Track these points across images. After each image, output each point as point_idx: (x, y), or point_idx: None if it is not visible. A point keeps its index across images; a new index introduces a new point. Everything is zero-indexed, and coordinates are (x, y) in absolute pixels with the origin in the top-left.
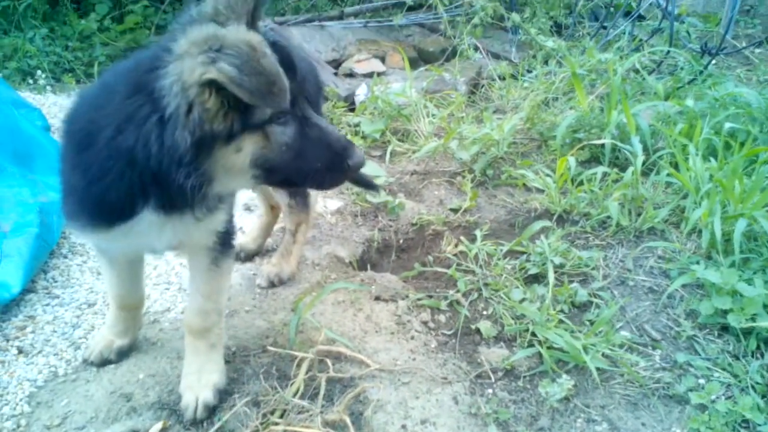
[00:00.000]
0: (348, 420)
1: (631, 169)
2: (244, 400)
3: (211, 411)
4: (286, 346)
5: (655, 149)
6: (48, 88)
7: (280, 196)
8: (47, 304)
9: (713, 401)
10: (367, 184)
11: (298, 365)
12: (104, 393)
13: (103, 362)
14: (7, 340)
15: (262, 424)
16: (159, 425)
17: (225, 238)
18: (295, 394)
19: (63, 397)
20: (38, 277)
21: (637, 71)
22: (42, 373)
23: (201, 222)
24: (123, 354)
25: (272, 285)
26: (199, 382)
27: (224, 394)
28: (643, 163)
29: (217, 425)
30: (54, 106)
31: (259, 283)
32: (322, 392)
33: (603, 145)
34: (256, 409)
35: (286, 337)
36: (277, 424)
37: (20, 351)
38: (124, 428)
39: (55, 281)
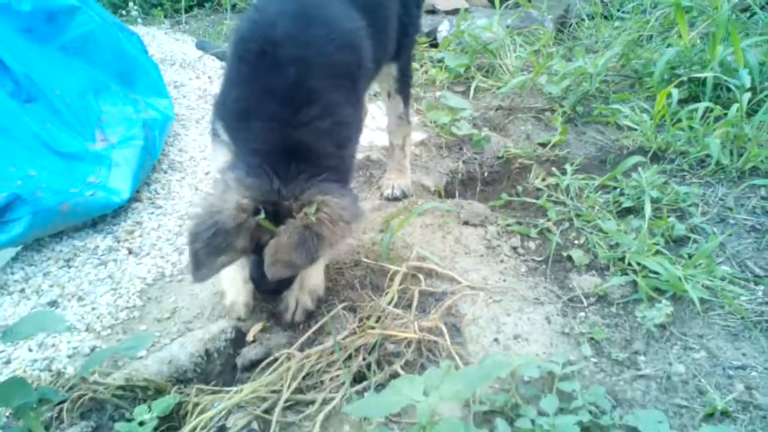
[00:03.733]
0: (443, 328)
1: (735, 105)
2: (342, 305)
3: (309, 315)
4: (379, 261)
5: (762, 88)
6: (139, 20)
7: (392, 107)
8: (152, 213)
9: None
10: None
11: (391, 278)
12: (209, 293)
13: None
14: (118, 242)
15: (359, 327)
16: (259, 325)
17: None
18: (389, 303)
19: (171, 294)
20: (142, 188)
21: (743, 10)
22: (150, 272)
23: None
24: None
25: (404, 196)
26: (301, 287)
27: (321, 302)
28: (749, 102)
29: (315, 327)
30: (147, 35)
31: (389, 194)
32: (415, 303)
33: (704, 84)
34: (352, 314)
35: (377, 253)
36: (373, 327)
37: (130, 252)
38: (228, 325)
39: (158, 193)
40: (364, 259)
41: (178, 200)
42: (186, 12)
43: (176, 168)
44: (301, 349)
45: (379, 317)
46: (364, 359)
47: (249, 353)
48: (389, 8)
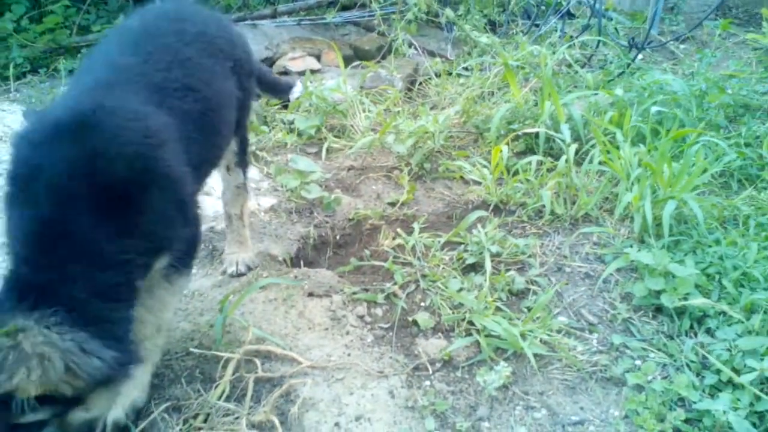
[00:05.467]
0: (276, 420)
1: (564, 157)
2: (163, 406)
3: (122, 429)
4: (212, 348)
5: (588, 139)
6: None
7: (231, 179)
8: None
9: (649, 381)
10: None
11: (224, 366)
12: None
13: None
14: None
15: (182, 430)
16: None
17: (185, 257)
18: (219, 397)
19: None
20: None
21: (569, 65)
22: None
23: None
24: None
25: (249, 269)
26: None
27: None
28: (577, 153)
29: None
30: None
31: (233, 271)
32: (249, 393)
33: (537, 136)
34: (177, 415)
35: (212, 338)
36: (200, 429)
37: None
38: None
39: None
40: (194, 349)
41: None
42: (17, 79)
43: None
44: None
45: (208, 415)
46: None
47: None
48: (224, 107)
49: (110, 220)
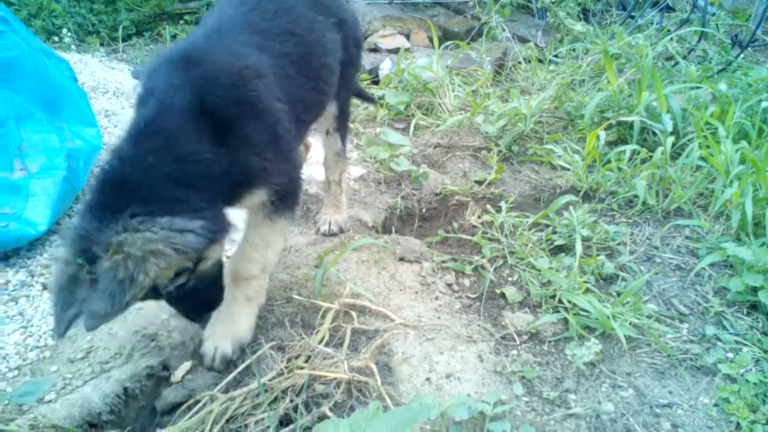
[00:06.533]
0: (374, 367)
1: (660, 149)
2: (269, 344)
3: (229, 363)
4: (311, 298)
5: (685, 133)
6: (72, 46)
7: (330, 144)
8: None
9: (743, 373)
10: (367, 98)
11: (323, 315)
12: (128, 332)
13: None
14: (32, 276)
15: (287, 367)
16: (188, 364)
17: (284, 198)
18: (320, 342)
19: (86, 334)
20: (63, 220)
21: (668, 59)
22: None
23: None
24: None
25: (341, 231)
26: (223, 332)
27: (247, 348)
28: (672, 146)
29: (241, 367)
30: (79, 62)
31: (326, 230)
32: (347, 342)
33: (631, 126)
34: (281, 354)
35: (310, 290)
36: (302, 368)
37: (45, 287)
38: (151, 362)
39: None
40: (296, 297)
41: None
42: (124, 41)
43: None
44: (226, 391)
45: (309, 357)
46: (291, 401)
47: (169, 395)
48: (324, 54)
49: (204, 134)
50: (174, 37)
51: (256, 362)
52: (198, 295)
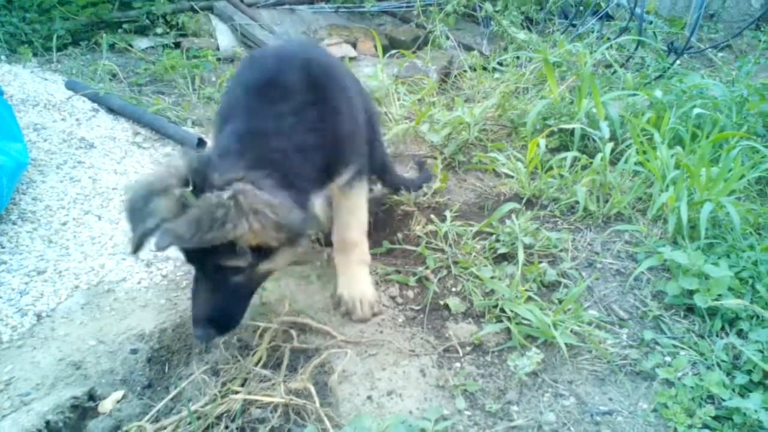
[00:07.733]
0: (312, 389)
1: (600, 155)
2: (202, 368)
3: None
4: (249, 317)
5: (623, 139)
6: (2, 57)
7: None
8: None
9: (680, 377)
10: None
11: (261, 335)
12: (52, 360)
13: None
14: None
15: (221, 392)
16: (119, 394)
17: (358, 174)
18: (256, 364)
19: (6, 363)
20: None
21: (607, 66)
22: None
23: None
24: None
25: None
26: (358, 290)
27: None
28: (612, 152)
29: (173, 393)
30: (8, 74)
31: None
32: (285, 362)
33: (572, 133)
34: (215, 378)
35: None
36: (237, 392)
37: None
38: (76, 393)
39: (3, 247)
40: None
41: (26, 255)
42: (59, 50)
43: (27, 218)
44: (156, 420)
45: (245, 380)
46: (226, 427)
47: (96, 428)
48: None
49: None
50: (112, 46)
51: (189, 387)
52: (235, 296)
